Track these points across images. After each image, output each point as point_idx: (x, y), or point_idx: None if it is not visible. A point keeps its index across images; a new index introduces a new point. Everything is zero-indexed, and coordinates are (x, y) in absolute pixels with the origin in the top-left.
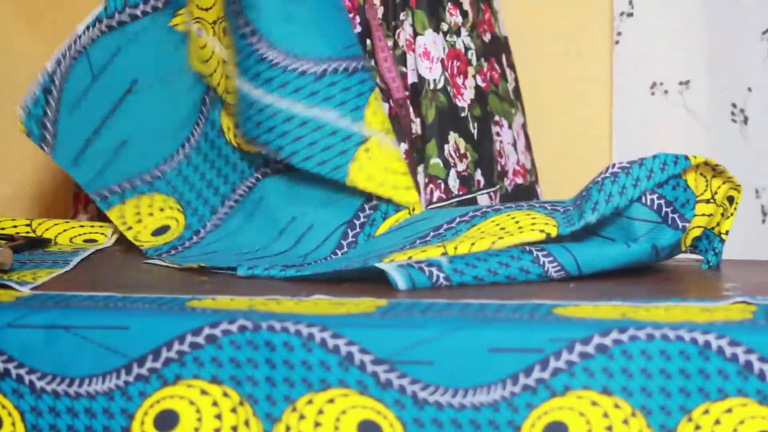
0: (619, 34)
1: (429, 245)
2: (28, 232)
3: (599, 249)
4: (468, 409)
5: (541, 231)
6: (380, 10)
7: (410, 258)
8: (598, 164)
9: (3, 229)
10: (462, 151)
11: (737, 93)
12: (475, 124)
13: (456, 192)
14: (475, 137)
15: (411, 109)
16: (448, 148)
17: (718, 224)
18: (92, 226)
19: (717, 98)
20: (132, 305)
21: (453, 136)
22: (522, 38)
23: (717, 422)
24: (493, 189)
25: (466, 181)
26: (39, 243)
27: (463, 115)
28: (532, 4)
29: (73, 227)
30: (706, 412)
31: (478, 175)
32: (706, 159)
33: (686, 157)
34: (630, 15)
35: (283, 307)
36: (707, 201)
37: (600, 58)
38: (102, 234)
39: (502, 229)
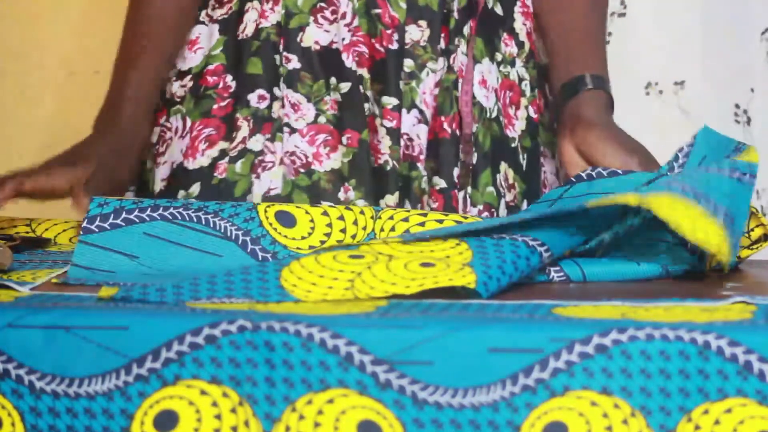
0: (610, 34)
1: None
2: (27, 232)
3: (608, 264)
4: (467, 409)
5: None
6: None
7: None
8: None
9: (2, 229)
10: (510, 181)
11: (740, 94)
12: (525, 155)
13: None
14: (524, 168)
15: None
16: (500, 178)
17: (740, 249)
18: None
19: (718, 99)
20: (132, 305)
21: (503, 166)
22: None
23: (717, 422)
24: None
25: (513, 211)
26: (39, 243)
27: (513, 145)
28: None
29: (72, 227)
30: (706, 412)
31: (525, 206)
32: None
33: None
34: (622, 15)
35: (282, 308)
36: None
37: None
38: None
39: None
